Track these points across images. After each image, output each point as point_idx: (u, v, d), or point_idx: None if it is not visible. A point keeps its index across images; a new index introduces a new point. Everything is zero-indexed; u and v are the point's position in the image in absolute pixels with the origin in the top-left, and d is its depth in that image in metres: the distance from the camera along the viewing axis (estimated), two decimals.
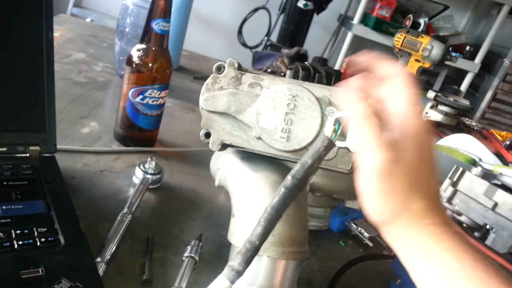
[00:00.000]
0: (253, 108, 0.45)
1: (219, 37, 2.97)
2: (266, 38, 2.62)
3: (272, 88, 0.44)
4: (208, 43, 2.77)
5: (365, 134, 0.37)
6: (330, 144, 0.40)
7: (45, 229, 0.45)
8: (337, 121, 0.43)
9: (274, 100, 0.44)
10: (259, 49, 2.60)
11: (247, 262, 0.38)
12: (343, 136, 0.44)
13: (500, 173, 0.96)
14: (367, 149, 0.37)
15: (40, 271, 0.40)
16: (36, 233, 0.44)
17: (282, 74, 0.66)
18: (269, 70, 2.17)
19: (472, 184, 0.85)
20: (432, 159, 0.39)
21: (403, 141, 0.37)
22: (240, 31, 2.67)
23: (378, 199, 0.37)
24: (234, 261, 0.38)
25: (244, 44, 2.67)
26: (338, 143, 0.44)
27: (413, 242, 0.37)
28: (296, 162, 0.46)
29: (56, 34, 1.16)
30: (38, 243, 0.43)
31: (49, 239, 0.44)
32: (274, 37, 2.68)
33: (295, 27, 2.64)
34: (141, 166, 0.62)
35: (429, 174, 0.38)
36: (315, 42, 2.81)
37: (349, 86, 0.40)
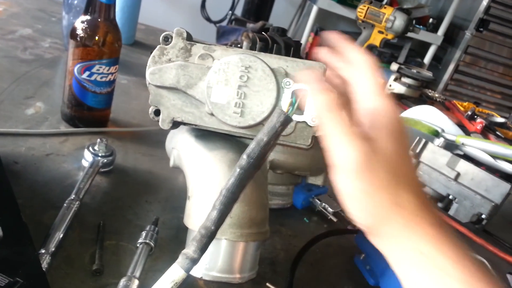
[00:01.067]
0: (204, 82, 0.42)
1: (181, 11, 2.87)
2: (230, 12, 2.55)
3: (223, 59, 0.41)
4: (169, 17, 2.67)
5: (333, 128, 0.33)
6: (286, 119, 0.37)
7: None
8: (294, 94, 0.40)
9: (226, 72, 0.40)
10: (224, 24, 2.53)
11: (203, 249, 0.36)
12: (300, 110, 0.41)
13: (462, 143, 0.97)
14: (338, 144, 0.32)
15: None
16: None
17: (239, 45, 0.62)
18: (233, 46, 2.11)
19: (435, 155, 0.85)
20: (408, 147, 0.35)
21: (377, 130, 0.33)
22: (203, 5, 2.59)
23: (362, 199, 0.32)
24: (189, 248, 0.36)
25: (208, 19, 2.59)
26: (296, 117, 0.41)
27: (410, 247, 0.32)
28: (253, 139, 0.44)
29: None
30: None
31: None
32: (238, 11, 2.60)
33: (260, 1, 2.58)
34: (90, 148, 0.58)
35: (410, 164, 0.34)
36: (280, 16, 2.75)
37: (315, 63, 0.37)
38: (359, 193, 0.32)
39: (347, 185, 0.33)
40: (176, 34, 0.43)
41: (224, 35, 2.47)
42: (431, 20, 2.78)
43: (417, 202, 0.33)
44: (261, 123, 0.41)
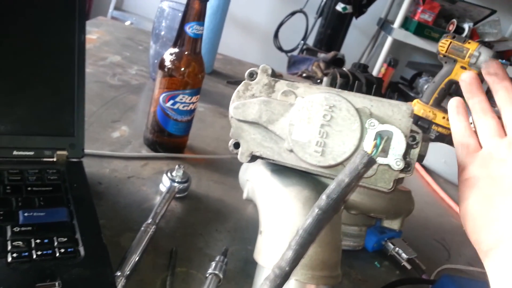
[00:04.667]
0: (286, 118, 0.42)
1: (255, 40, 2.96)
2: (302, 42, 2.58)
3: (307, 97, 0.41)
4: (244, 47, 2.76)
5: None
6: (370, 161, 0.36)
7: (65, 239, 0.43)
8: (379, 135, 0.39)
9: (309, 111, 0.40)
10: (295, 53, 2.57)
11: None
12: (384, 152, 0.40)
13: None
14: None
15: (57, 285, 0.38)
16: (56, 243, 0.42)
17: (319, 81, 0.62)
18: (304, 75, 2.13)
19: None
20: None
21: None
22: (276, 35, 2.65)
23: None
24: (262, 287, 0.35)
25: (280, 48, 2.64)
26: (379, 160, 0.40)
27: None
28: (331, 178, 0.43)
29: (93, 36, 1.17)
30: (57, 254, 0.41)
31: (69, 250, 0.42)
32: (310, 41, 2.63)
33: (333, 31, 2.59)
34: (169, 174, 0.60)
35: None
36: (352, 46, 2.74)
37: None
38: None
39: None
40: (261, 70, 0.43)
41: (295, 64, 2.50)
42: None
43: None
44: (341, 164, 0.40)
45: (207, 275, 0.48)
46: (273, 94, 0.43)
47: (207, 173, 0.70)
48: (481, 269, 0.67)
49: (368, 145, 0.39)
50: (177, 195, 0.60)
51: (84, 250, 0.42)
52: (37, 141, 0.53)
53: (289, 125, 0.41)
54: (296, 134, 0.40)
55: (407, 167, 0.41)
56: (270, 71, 0.43)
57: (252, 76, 0.44)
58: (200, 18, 0.62)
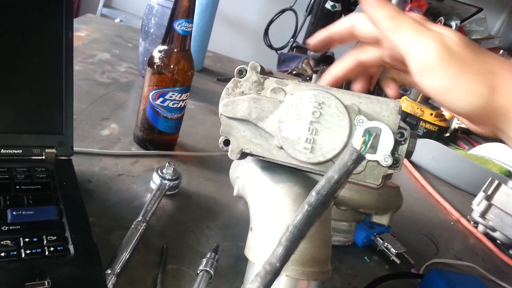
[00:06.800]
0: (275, 116, 0.42)
1: (245, 38, 2.96)
2: (292, 39, 2.59)
3: (296, 94, 0.41)
4: (234, 44, 2.76)
5: (406, 30, 0.35)
6: (359, 158, 0.36)
7: (55, 237, 0.43)
8: (367, 132, 0.40)
9: (299, 108, 0.40)
10: (285, 50, 2.57)
11: (267, 286, 0.35)
12: (373, 149, 0.40)
13: None
14: (415, 43, 0.35)
15: (46, 283, 0.38)
16: (45, 242, 0.42)
17: (308, 78, 0.63)
18: (294, 72, 2.13)
19: (508, 198, 0.79)
20: None
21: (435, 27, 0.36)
22: (266, 33, 2.65)
23: (459, 84, 0.34)
24: (252, 284, 0.35)
25: (270, 46, 2.65)
26: (368, 156, 0.40)
27: None
28: (320, 174, 0.43)
29: (82, 34, 1.16)
30: (47, 253, 0.41)
31: (58, 248, 0.42)
32: (300, 39, 2.64)
33: (322, 28, 2.59)
34: (159, 171, 0.60)
35: (479, 45, 0.36)
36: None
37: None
38: (453, 80, 0.34)
39: (437, 80, 0.34)
40: (250, 67, 0.44)
41: (285, 62, 2.50)
42: (501, 51, 2.65)
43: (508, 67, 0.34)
44: (331, 160, 0.40)
45: (198, 272, 0.48)
46: (263, 91, 0.43)
47: (197, 170, 0.70)
48: (468, 263, 0.69)
49: (357, 142, 0.39)
50: (168, 193, 0.60)
51: (73, 249, 0.42)
52: (25, 139, 0.52)
53: (278, 122, 0.41)
54: (286, 131, 0.41)
55: (396, 163, 0.42)
56: (259, 68, 0.44)
57: (241, 73, 0.44)
58: (189, 15, 0.62)
